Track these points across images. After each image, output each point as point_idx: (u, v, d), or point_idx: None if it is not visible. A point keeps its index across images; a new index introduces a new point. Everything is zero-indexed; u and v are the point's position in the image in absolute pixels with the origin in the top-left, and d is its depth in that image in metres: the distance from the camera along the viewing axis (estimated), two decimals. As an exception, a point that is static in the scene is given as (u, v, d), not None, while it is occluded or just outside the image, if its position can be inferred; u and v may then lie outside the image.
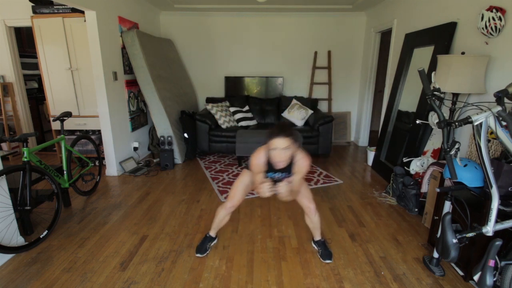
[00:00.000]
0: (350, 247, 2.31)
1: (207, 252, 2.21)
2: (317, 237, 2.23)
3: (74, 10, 3.62)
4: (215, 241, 2.32)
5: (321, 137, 4.35)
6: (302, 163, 1.83)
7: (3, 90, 4.26)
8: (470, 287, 1.89)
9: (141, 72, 3.93)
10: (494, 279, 1.55)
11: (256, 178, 1.90)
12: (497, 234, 1.60)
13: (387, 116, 3.87)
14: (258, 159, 1.83)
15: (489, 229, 1.56)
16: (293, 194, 1.92)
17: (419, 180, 2.81)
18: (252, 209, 2.90)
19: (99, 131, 3.96)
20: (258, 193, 1.88)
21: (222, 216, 2.14)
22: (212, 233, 2.26)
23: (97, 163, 3.82)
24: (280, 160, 1.74)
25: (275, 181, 1.92)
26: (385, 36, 4.62)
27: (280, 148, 1.69)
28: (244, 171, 2.13)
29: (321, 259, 2.15)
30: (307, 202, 2.06)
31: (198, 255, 2.18)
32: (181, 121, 4.37)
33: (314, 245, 2.29)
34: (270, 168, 1.89)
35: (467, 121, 1.55)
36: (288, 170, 1.89)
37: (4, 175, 2.11)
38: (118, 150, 3.84)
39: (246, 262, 2.13)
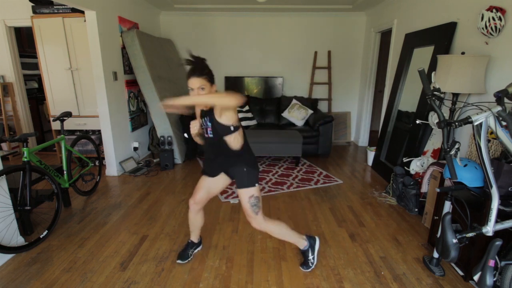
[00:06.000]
0: (350, 247, 2.31)
1: (189, 259, 2.12)
2: (300, 246, 2.03)
3: (74, 10, 3.62)
4: (199, 248, 2.24)
5: (321, 137, 4.35)
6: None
7: (3, 90, 4.26)
8: (470, 287, 1.90)
9: (141, 72, 3.93)
10: (494, 279, 1.55)
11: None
12: (497, 234, 1.60)
13: (387, 116, 3.87)
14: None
15: (489, 229, 1.56)
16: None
17: (419, 180, 2.81)
18: (252, 209, 2.90)
19: (99, 131, 3.96)
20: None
21: (191, 217, 2.07)
22: (193, 238, 2.18)
23: (97, 163, 3.82)
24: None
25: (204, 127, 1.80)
26: (385, 36, 4.62)
27: (196, 88, 1.58)
28: None
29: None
30: (247, 213, 1.82)
31: (179, 261, 2.09)
32: (181, 121, 4.37)
33: None
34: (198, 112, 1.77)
35: (467, 121, 1.55)
36: (210, 114, 1.70)
37: (4, 175, 2.11)
38: (118, 150, 3.84)
39: (246, 262, 2.13)
